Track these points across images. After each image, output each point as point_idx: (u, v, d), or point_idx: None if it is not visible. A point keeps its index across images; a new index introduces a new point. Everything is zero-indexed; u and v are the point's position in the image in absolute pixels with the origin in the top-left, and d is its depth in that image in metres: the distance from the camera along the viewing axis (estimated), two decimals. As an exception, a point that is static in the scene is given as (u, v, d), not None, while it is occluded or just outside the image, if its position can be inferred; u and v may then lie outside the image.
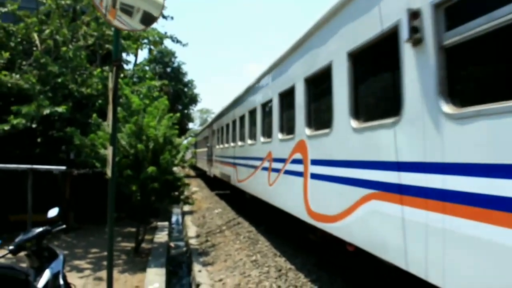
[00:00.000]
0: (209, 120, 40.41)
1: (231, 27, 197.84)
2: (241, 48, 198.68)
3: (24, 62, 13.48)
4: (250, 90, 13.56)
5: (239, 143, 15.07)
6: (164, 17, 16.71)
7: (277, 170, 9.75)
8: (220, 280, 8.59)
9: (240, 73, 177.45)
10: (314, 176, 7.43)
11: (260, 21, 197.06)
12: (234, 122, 16.62)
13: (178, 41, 17.55)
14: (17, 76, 12.46)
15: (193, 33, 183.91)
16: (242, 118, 14.86)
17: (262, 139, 11.59)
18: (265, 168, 10.93)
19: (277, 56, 9.99)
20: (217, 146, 22.08)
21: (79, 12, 14.46)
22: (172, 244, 13.01)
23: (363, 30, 5.69)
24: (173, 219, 19.73)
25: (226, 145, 18.41)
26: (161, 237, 12.83)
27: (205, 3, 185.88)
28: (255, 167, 12.16)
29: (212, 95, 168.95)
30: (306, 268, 8.76)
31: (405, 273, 4.63)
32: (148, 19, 5.66)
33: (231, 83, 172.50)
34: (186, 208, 18.98)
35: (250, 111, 13.31)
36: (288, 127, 9.24)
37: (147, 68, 16.62)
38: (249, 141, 13.34)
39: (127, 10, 5.46)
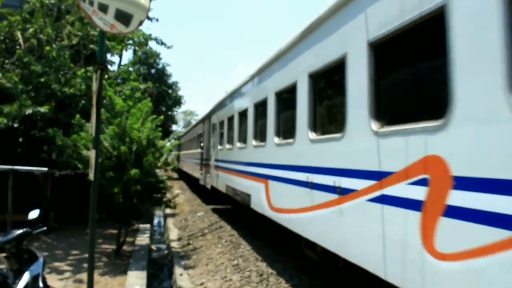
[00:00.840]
0: (193, 122, 39.48)
1: (220, 28, 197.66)
2: (231, 49, 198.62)
3: (6, 61, 13.31)
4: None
5: (285, 140, 8.37)
6: (149, 19, 16.64)
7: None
8: (202, 284, 8.57)
9: (229, 74, 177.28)
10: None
11: (251, 21, 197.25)
12: (263, 105, 9.96)
13: (162, 43, 17.48)
14: (0, 74, 12.32)
15: (181, 34, 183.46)
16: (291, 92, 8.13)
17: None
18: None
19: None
20: (221, 147, 15.65)
21: (63, 12, 14.32)
22: (153, 247, 12.95)
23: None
24: (155, 221, 19.64)
25: (242, 144, 12.00)
26: (143, 239, 12.77)
27: (195, 4, 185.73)
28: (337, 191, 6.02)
29: (198, 97, 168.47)
30: (287, 273, 8.78)
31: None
32: (134, 21, 5.65)
33: (217, 85, 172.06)
34: (168, 210, 18.87)
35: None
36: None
37: (131, 69, 16.49)
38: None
39: (107, 11, 5.46)
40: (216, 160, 16.29)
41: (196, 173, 23.57)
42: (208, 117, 19.97)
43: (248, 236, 12.49)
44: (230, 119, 14.08)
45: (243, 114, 12.18)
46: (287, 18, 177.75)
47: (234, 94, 13.77)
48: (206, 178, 19.23)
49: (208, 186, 18.35)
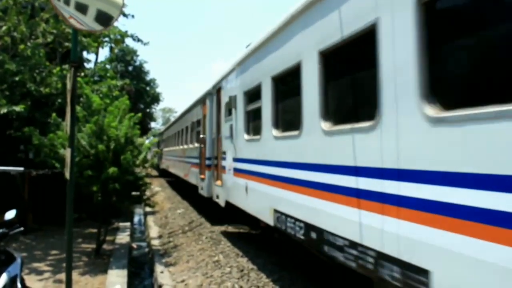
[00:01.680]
0: (172, 119, 37.23)
1: (198, 25, 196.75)
2: (208, 47, 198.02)
3: (-20, 60, 13.10)
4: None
5: None
6: (124, 15, 16.53)
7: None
8: (183, 281, 8.57)
9: (207, 72, 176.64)
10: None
11: (227, 19, 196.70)
12: None
13: (139, 40, 17.34)
14: (-27, 73, 12.13)
15: (158, 32, 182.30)
16: None
17: None
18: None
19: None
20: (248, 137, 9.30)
21: (37, 9, 14.12)
22: (134, 245, 12.90)
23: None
24: (135, 219, 19.53)
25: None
26: (123, 238, 12.71)
27: (170, 2, 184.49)
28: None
29: (176, 95, 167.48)
30: (268, 268, 8.82)
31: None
32: (107, 19, 5.62)
33: (196, 82, 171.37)
34: (149, 208, 18.79)
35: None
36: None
37: (108, 67, 16.35)
38: None
39: (84, 10, 5.42)
40: (239, 160, 10.03)
41: (192, 177, 17.27)
42: (216, 89, 13.11)
43: (228, 233, 12.50)
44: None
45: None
46: (261, 17, 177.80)
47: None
48: (211, 187, 13.34)
49: (221, 202, 11.75)
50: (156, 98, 57.73)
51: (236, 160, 10.26)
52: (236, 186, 10.19)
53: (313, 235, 5.90)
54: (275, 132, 7.48)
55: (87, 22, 5.39)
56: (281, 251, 9.50)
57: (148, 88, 55.57)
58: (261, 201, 8.32)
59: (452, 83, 3.79)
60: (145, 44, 18.02)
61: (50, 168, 11.35)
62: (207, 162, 13.61)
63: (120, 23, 18.76)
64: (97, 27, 5.73)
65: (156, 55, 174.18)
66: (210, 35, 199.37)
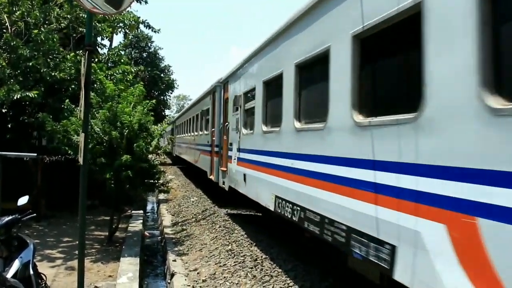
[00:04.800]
0: (186, 106, 37.04)
1: (212, 9, 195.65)
2: (223, 32, 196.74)
3: (-7, 45, 13.06)
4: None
5: None
6: (138, 0, 16.42)
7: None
8: (195, 269, 8.49)
9: (222, 58, 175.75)
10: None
11: (242, 2, 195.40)
12: None
13: (150, 27, 17.13)
14: (-14, 59, 12.07)
15: (174, 17, 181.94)
16: None
17: None
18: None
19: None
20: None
21: (51, -6, 14.03)
22: (146, 233, 12.85)
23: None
24: (148, 207, 19.55)
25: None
26: (136, 225, 12.67)
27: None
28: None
29: (191, 82, 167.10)
30: (281, 258, 8.72)
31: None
32: (122, 2, 5.48)
33: (212, 69, 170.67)
34: (162, 196, 18.78)
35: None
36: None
37: (122, 52, 16.21)
38: None
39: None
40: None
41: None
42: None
43: (241, 222, 12.41)
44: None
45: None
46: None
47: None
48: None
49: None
50: (170, 85, 57.40)
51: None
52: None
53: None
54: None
55: (99, 3, 5.23)
56: (296, 241, 9.38)
57: (162, 75, 55.41)
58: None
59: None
60: (156, 31, 17.83)
61: (63, 154, 11.30)
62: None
63: (133, 9, 18.49)
64: (112, 10, 5.60)
65: (172, 41, 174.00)
66: (228, 17, 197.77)
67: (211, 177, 15.13)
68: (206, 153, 16.67)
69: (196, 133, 20.70)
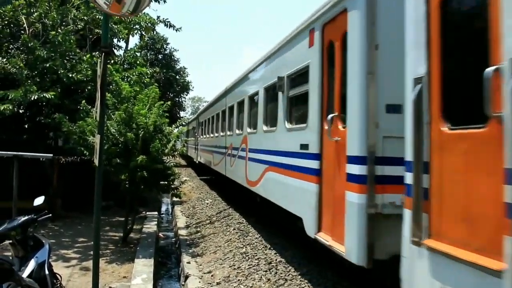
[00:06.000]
0: (201, 108, 36.57)
1: (224, 11, 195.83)
2: (236, 33, 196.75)
3: (11, 46, 13.17)
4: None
5: None
6: (156, 0, 16.38)
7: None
8: (209, 272, 8.47)
9: (235, 61, 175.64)
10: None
11: (255, 3, 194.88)
12: None
13: (171, 26, 17.05)
14: (4, 60, 12.17)
15: (190, 18, 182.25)
16: None
17: None
18: None
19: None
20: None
21: (68, -5, 14.13)
22: (161, 234, 12.87)
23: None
24: (163, 209, 19.60)
25: None
26: (150, 227, 12.69)
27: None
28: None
29: (206, 84, 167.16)
30: (296, 261, 8.64)
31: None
32: (138, 4, 5.48)
33: (227, 71, 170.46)
34: (176, 198, 18.79)
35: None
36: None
37: (138, 54, 16.25)
38: None
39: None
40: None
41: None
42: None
43: (256, 224, 12.35)
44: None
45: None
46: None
47: None
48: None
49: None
50: (185, 87, 57.42)
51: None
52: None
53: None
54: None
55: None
56: (311, 245, 9.31)
57: (177, 77, 55.42)
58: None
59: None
60: (177, 30, 17.74)
61: (79, 155, 11.36)
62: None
63: (151, 9, 18.47)
64: (128, 12, 5.61)
65: (187, 43, 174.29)
66: (241, 17, 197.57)
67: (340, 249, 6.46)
68: (300, 174, 7.84)
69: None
